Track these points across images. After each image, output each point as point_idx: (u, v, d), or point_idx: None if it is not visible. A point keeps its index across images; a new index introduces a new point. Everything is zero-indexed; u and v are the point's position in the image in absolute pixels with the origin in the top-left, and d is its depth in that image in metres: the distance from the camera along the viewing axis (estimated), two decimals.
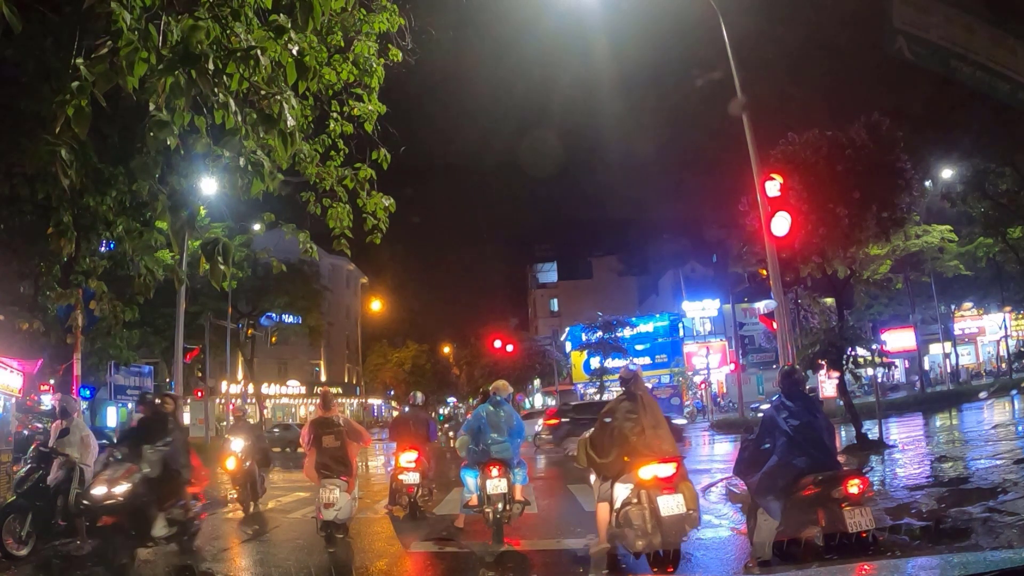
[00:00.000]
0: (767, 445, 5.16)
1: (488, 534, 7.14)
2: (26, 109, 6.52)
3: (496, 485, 7.07)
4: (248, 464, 10.36)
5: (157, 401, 7.59)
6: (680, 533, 5.19)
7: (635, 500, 5.24)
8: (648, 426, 5.54)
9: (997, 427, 14.18)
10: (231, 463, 10.40)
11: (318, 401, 7.89)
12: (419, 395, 11.02)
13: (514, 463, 7.43)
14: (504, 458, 7.31)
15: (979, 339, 39.50)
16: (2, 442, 14.71)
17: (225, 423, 31.38)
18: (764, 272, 12.65)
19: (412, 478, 8.97)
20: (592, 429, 6.09)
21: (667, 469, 5.24)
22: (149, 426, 7.20)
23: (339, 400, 51.06)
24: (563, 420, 19.03)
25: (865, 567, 2.82)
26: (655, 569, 5.29)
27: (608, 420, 5.78)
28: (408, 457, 9.07)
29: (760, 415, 7.15)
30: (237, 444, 10.57)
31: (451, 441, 20.52)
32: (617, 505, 5.43)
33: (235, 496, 10.73)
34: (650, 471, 5.23)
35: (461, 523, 7.86)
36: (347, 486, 7.16)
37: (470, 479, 7.50)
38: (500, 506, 7.07)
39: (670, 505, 5.12)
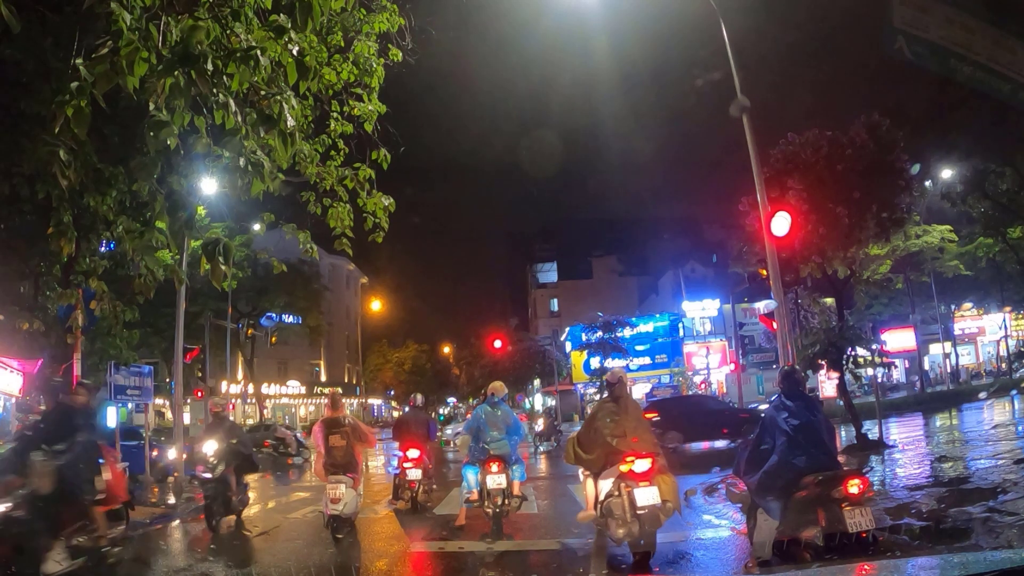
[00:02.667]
0: (766, 445, 5.16)
1: (488, 527, 7.47)
2: (26, 109, 6.52)
3: (496, 480, 7.44)
4: (221, 470, 8.81)
5: (67, 392, 6.21)
6: (655, 522, 5.64)
7: (616, 493, 5.79)
8: (629, 426, 6.08)
9: (997, 427, 14.17)
10: (201, 470, 8.99)
11: (327, 402, 8.36)
12: (419, 397, 11.52)
13: (512, 460, 7.81)
14: (502, 455, 7.69)
15: (979, 339, 39.48)
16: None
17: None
18: (764, 272, 12.64)
19: (414, 474, 9.48)
20: (579, 428, 6.65)
21: (643, 464, 5.74)
22: (50, 425, 5.81)
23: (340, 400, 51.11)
24: (661, 413, 18.99)
25: (865, 567, 2.82)
26: (637, 556, 5.72)
27: (596, 420, 6.27)
28: (410, 455, 9.54)
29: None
30: (209, 447, 8.96)
31: (451, 443, 20.56)
32: (601, 497, 5.99)
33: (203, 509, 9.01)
34: (628, 466, 5.76)
35: (463, 520, 8.09)
36: (353, 483, 7.45)
37: (471, 475, 7.85)
38: (500, 500, 7.45)
39: (646, 497, 5.62)
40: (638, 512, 5.57)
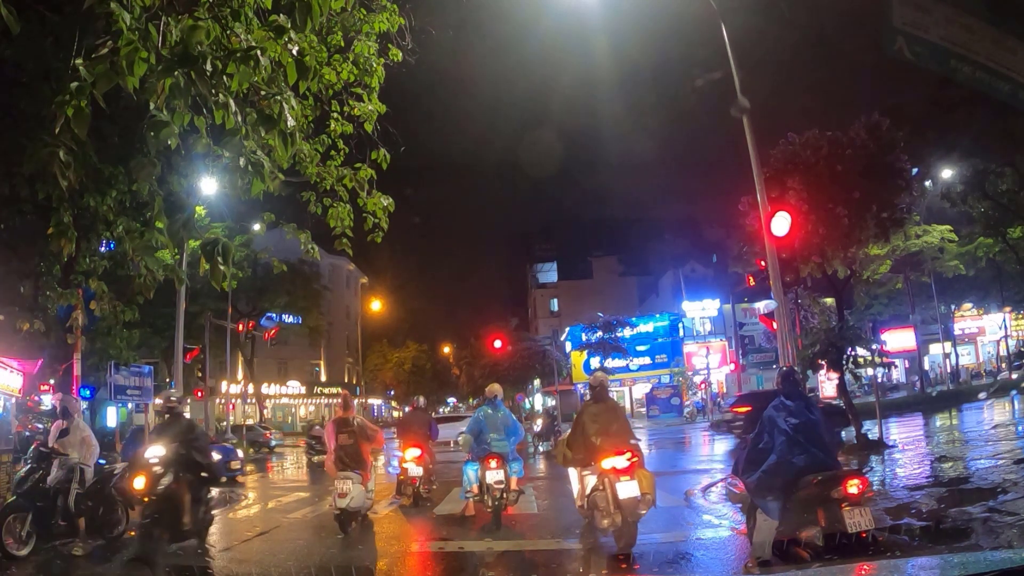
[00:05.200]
0: (764, 444, 5.17)
1: (489, 519, 7.97)
2: (26, 109, 6.52)
3: (494, 475, 7.95)
4: (168, 483, 6.77)
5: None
6: (636, 512, 6.16)
7: (600, 487, 6.35)
8: (611, 426, 6.69)
9: (997, 427, 14.18)
10: (139, 482, 6.83)
11: (339, 402, 8.82)
12: (421, 399, 12.16)
13: (510, 458, 8.32)
14: (501, 453, 8.18)
15: (979, 339, 39.50)
16: (2, 442, 14.71)
17: (225, 423, 31.30)
18: (762, 265, 12.61)
19: (416, 471, 9.99)
20: (569, 431, 7.30)
21: (623, 460, 6.26)
22: None
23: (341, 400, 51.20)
24: (753, 406, 18.86)
25: (865, 567, 2.82)
26: (621, 546, 6.16)
27: (581, 422, 6.89)
28: (412, 453, 10.07)
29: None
30: (153, 452, 6.96)
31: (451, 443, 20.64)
32: (588, 492, 6.61)
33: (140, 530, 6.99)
34: (609, 462, 6.30)
35: (472, 511, 8.59)
36: (361, 479, 7.92)
37: (471, 471, 8.38)
38: (498, 494, 7.94)
39: (626, 489, 6.12)
40: (620, 504, 6.09)
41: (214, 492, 8.06)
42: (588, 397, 7.25)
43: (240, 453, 17.46)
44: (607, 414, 6.82)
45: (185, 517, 6.86)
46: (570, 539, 7.12)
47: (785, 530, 4.84)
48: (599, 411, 6.86)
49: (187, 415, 8.70)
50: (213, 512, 7.83)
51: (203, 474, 7.29)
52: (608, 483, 6.22)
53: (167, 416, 7.63)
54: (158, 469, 6.89)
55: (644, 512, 6.24)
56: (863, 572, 2.72)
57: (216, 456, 15.18)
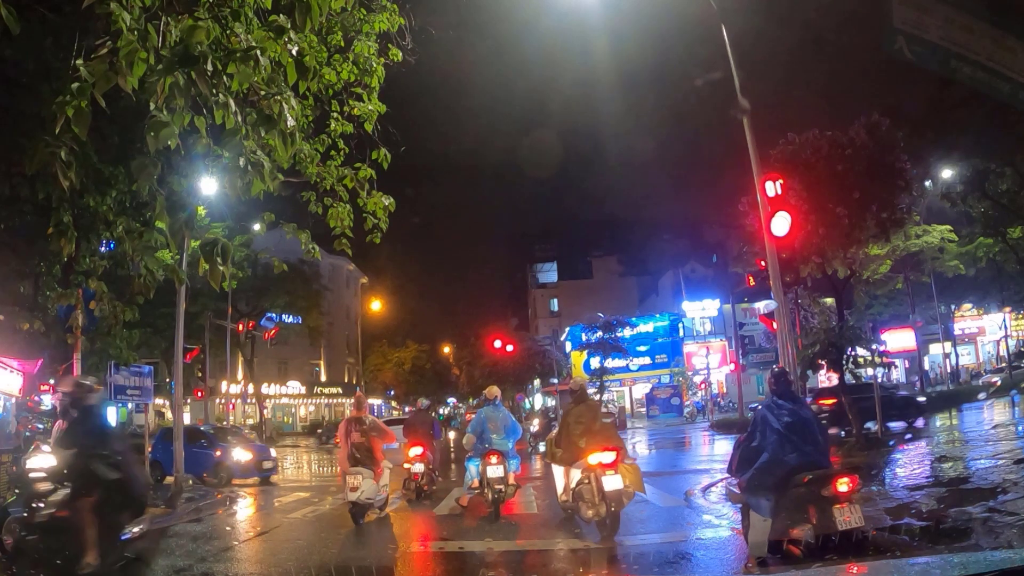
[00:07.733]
0: (756, 442, 5.18)
1: (487, 511, 8.44)
2: (26, 109, 6.52)
3: (495, 471, 8.41)
4: (58, 506, 4.87)
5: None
6: (619, 503, 6.67)
7: (586, 481, 6.88)
8: (595, 425, 7.33)
9: (997, 427, 14.18)
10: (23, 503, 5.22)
11: (352, 402, 9.47)
12: (424, 401, 13.23)
13: (509, 455, 8.80)
14: (502, 450, 8.68)
15: (979, 339, 39.48)
16: (2, 442, 14.72)
17: (225, 423, 31.19)
18: (762, 265, 12.61)
19: (418, 468, 10.59)
20: (556, 430, 8.04)
21: (608, 456, 6.77)
22: None
23: (341, 400, 51.34)
24: (839, 400, 18.70)
25: (864, 567, 2.82)
26: (603, 534, 6.61)
27: (566, 424, 7.52)
28: (415, 452, 10.64)
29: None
30: (39, 462, 5.30)
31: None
32: (573, 485, 7.17)
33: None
34: (596, 458, 6.81)
35: (465, 502, 9.20)
36: (373, 475, 8.51)
37: (472, 467, 8.89)
38: (498, 487, 8.41)
39: (611, 483, 6.62)
40: (606, 495, 6.57)
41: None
42: (570, 400, 7.89)
43: (273, 452, 17.48)
44: (589, 414, 7.48)
45: (87, 556, 4.69)
46: (569, 538, 7.12)
47: (778, 528, 4.85)
48: (581, 412, 7.48)
49: (100, 411, 5.74)
50: (142, 547, 5.42)
51: (121, 496, 5.09)
52: (594, 477, 6.72)
53: (73, 412, 5.32)
54: (44, 487, 4.98)
55: (627, 502, 6.80)
56: (863, 572, 2.72)
57: (247, 455, 15.47)
